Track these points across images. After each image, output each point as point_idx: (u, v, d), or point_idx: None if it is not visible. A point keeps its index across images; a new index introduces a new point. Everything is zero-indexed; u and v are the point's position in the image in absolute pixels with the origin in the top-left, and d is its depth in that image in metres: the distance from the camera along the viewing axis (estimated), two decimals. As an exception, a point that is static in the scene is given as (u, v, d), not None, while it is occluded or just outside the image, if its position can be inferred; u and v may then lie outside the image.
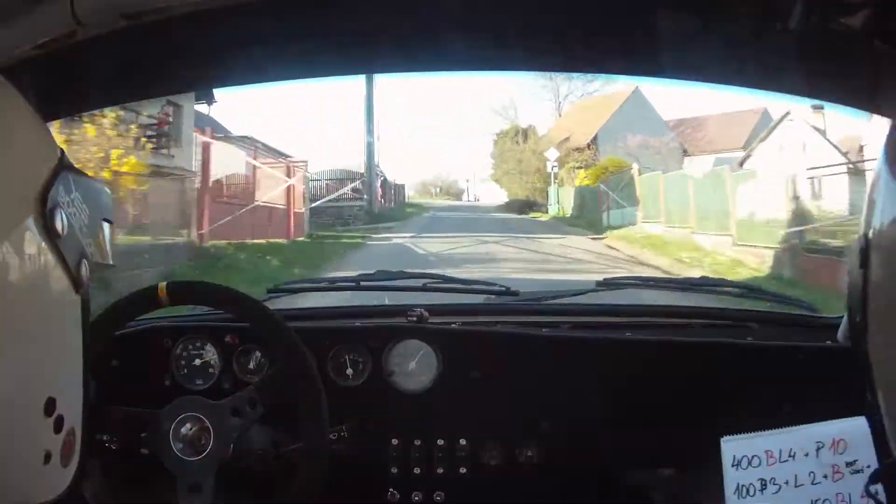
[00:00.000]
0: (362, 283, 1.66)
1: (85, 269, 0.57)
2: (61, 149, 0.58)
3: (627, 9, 0.83)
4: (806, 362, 1.33)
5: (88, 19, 0.71)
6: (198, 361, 1.39)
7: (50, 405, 0.50)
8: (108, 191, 0.68)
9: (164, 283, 1.16)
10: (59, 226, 0.52)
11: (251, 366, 1.39)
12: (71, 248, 0.54)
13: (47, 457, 0.50)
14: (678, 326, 1.52)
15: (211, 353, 1.39)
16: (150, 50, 0.86)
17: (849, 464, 0.97)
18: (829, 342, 1.35)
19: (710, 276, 6.88)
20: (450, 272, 2.63)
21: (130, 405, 1.18)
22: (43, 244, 0.51)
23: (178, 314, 1.51)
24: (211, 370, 1.39)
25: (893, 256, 0.54)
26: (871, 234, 0.57)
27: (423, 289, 1.60)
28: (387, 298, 1.80)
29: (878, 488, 0.63)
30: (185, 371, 1.39)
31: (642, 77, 1.04)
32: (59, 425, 0.51)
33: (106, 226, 0.63)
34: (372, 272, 1.67)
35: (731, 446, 1.02)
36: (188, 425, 1.12)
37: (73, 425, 0.53)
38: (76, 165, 0.62)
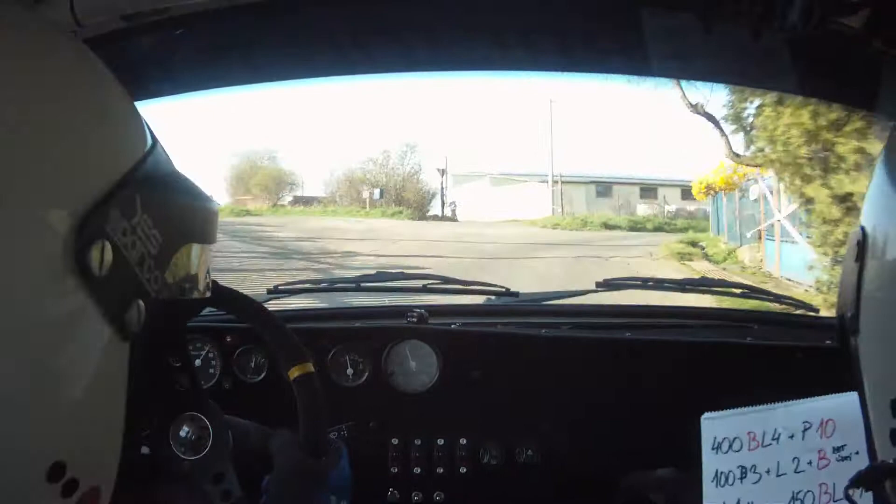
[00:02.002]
0: (362, 284, 1.66)
1: (139, 312, 0.46)
2: (146, 154, 0.47)
3: (627, 9, 0.83)
4: (806, 362, 1.33)
5: (88, 19, 0.71)
6: (198, 362, 1.39)
7: (58, 469, 0.42)
8: (212, 205, 0.55)
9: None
10: (94, 262, 0.42)
11: (251, 366, 1.39)
12: (113, 290, 0.44)
13: None
14: (678, 326, 1.52)
15: (211, 354, 1.39)
16: (150, 50, 0.86)
17: (836, 449, 0.93)
18: (829, 342, 1.35)
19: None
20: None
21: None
22: (72, 284, 0.41)
23: None
24: (211, 370, 1.39)
25: (889, 252, 0.54)
26: (868, 228, 0.57)
27: (423, 290, 1.60)
28: (387, 299, 1.80)
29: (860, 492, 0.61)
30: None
31: (642, 77, 1.04)
32: (70, 489, 0.43)
33: (192, 250, 0.52)
34: (372, 273, 1.67)
35: (712, 426, 0.96)
36: (188, 425, 1.12)
37: (96, 485, 0.45)
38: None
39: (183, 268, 0.51)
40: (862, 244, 0.57)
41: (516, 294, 1.59)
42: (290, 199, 27.89)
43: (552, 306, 1.62)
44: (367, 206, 25.28)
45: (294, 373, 1.08)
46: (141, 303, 0.47)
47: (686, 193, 19.07)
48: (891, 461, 0.53)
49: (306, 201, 27.24)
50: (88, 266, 0.41)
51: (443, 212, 25.45)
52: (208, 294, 0.54)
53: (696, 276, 5.41)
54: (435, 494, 1.35)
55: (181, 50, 0.89)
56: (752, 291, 1.71)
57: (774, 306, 1.64)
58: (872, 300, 0.56)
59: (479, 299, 1.63)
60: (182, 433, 1.12)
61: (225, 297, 1.17)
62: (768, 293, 1.69)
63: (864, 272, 0.56)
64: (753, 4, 0.74)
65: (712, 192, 12.83)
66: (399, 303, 1.60)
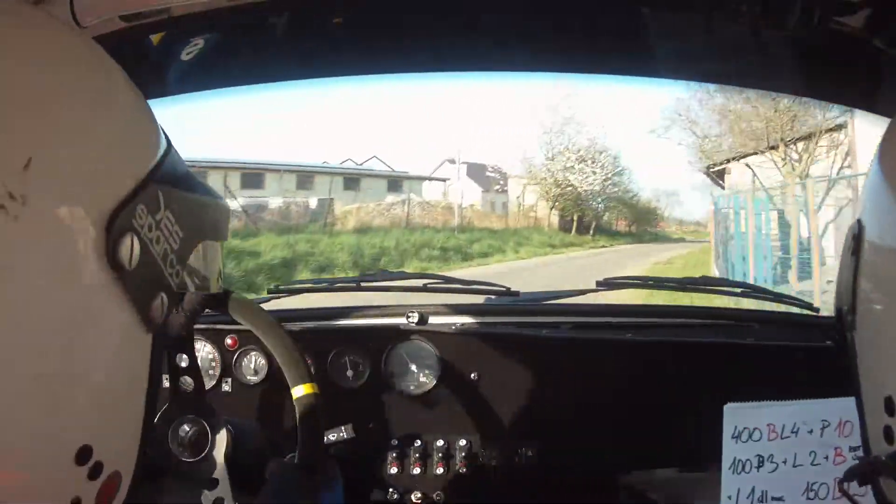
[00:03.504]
0: (362, 284, 1.66)
1: (162, 305, 0.48)
2: (164, 154, 0.49)
3: (627, 9, 0.83)
4: (806, 362, 1.33)
5: (88, 21, 0.71)
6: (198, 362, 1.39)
7: (85, 453, 0.44)
8: (224, 203, 0.57)
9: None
10: (125, 257, 0.44)
11: (251, 367, 1.39)
12: (141, 282, 0.46)
13: (76, 502, 0.44)
14: (678, 326, 1.52)
15: (211, 355, 1.39)
16: (150, 50, 0.86)
17: (852, 448, 0.94)
18: (829, 342, 1.35)
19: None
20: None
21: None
22: (103, 276, 0.43)
23: None
24: (211, 372, 1.39)
25: (885, 247, 0.54)
26: (864, 222, 0.57)
27: (424, 289, 1.60)
28: (387, 299, 1.79)
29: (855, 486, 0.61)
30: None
31: (642, 77, 1.05)
32: (96, 472, 0.45)
33: (212, 247, 0.54)
34: (373, 273, 1.67)
35: (734, 415, 0.97)
36: (188, 426, 1.12)
37: (117, 469, 0.47)
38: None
39: (199, 264, 0.53)
40: (858, 238, 0.56)
41: (516, 294, 1.59)
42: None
43: (552, 306, 1.62)
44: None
45: (298, 392, 1.09)
46: (164, 296, 0.48)
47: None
48: (883, 457, 0.53)
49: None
50: (119, 259, 0.43)
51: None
52: (220, 290, 0.55)
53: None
54: (434, 494, 1.35)
55: (181, 50, 0.90)
56: (752, 291, 1.71)
57: (774, 306, 1.64)
58: (868, 296, 0.55)
59: (479, 299, 1.63)
60: (182, 434, 1.12)
61: (240, 306, 1.16)
62: (768, 293, 1.69)
63: (860, 267, 0.56)
64: (753, 4, 0.74)
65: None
66: (399, 303, 1.60)
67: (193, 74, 1.01)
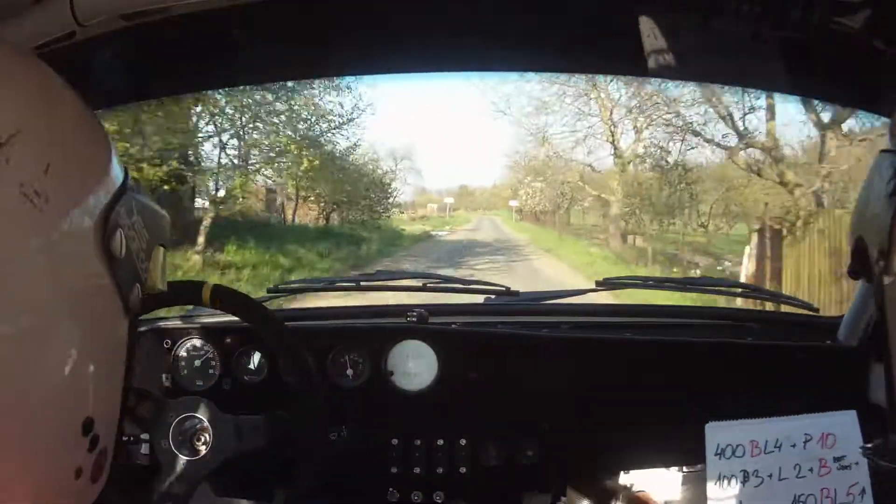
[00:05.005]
0: (362, 284, 1.66)
1: (137, 295, 0.55)
2: (126, 169, 0.57)
3: (627, 9, 0.83)
4: (806, 362, 1.33)
5: (88, 20, 0.71)
6: (198, 362, 1.39)
7: (88, 424, 0.50)
8: (167, 215, 0.66)
9: (212, 285, 1.11)
10: (117, 248, 0.51)
11: (251, 367, 1.39)
12: (126, 272, 0.53)
13: (78, 472, 0.50)
14: (678, 326, 1.52)
15: (211, 354, 1.39)
16: (150, 50, 0.86)
17: (837, 458, 0.95)
18: (829, 342, 1.35)
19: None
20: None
21: (129, 406, 1.18)
22: (100, 266, 0.50)
23: (177, 315, 1.51)
24: (211, 371, 1.39)
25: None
26: (863, 234, 0.57)
27: (423, 289, 1.60)
28: (387, 299, 1.79)
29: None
30: (186, 372, 1.39)
31: (642, 77, 1.04)
32: (94, 443, 0.51)
33: (162, 251, 0.61)
34: (372, 272, 1.67)
35: (716, 432, 0.98)
36: (188, 425, 1.12)
37: (106, 445, 0.53)
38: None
39: (155, 264, 0.62)
40: (859, 251, 0.55)
41: (516, 293, 1.59)
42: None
43: (552, 306, 1.62)
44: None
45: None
46: (139, 287, 0.56)
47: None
48: None
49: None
50: (112, 249, 0.51)
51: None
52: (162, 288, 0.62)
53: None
54: (435, 494, 1.35)
55: (183, 49, 0.90)
56: (752, 291, 1.71)
57: (774, 306, 1.64)
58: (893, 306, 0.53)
59: (479, 299, 1.63)
60: (182, 433, 1.12)
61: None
62: (768, 293, 1.69)
63: (875, 279, 0.54)
64: (753, 4, 0.74)
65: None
66: (399, 302, 1.60)
67: (193, 73, 1.01)
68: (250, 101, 10.54)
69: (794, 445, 0.96)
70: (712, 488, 0.96)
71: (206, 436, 1.12)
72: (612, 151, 13.53)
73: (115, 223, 0.51)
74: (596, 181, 15.13)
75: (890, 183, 0.54)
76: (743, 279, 7.98)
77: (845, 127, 8.28)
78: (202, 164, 10.81)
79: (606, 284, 1.60)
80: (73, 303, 0.48)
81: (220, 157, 10.84)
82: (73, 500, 0.51)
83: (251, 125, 11.04)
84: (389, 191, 18.76)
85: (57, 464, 0.48)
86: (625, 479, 1.36)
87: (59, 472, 0.49)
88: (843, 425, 0.94)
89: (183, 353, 1.39)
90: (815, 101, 7.04)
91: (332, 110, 12.17)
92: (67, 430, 0.48)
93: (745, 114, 9.49)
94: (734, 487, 0.95)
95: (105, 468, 0.54)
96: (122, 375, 0.56)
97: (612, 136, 13.24)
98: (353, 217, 16.91)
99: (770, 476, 0.95)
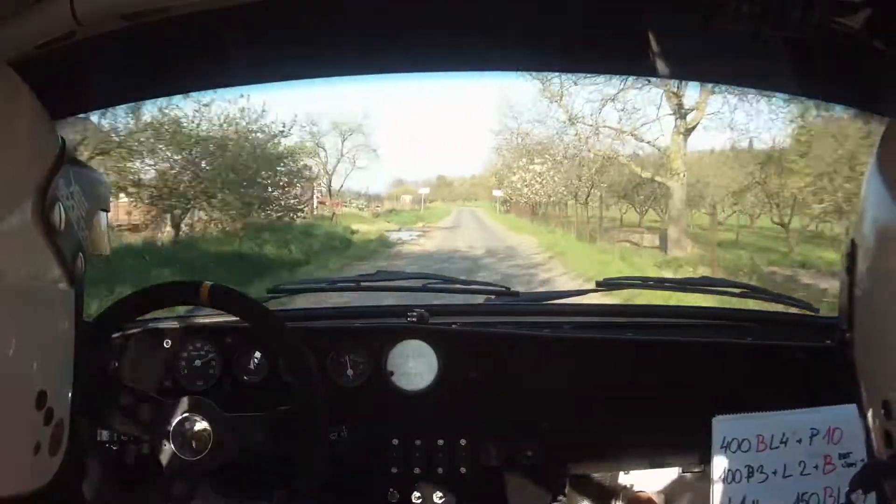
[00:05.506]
0: (362, 284, 1.66)
1: (81, 263, 0.56)
2: (63, 140, 0.57)
3: (627, 9, 0.83)
4: (806, 362, 1.33)
5: (88, 19, 0.71)
6: (198, 362, 1.39)
7: (41, 398, 0.50)
8: (107, 180, 0.67)
9: (209, 284, 1.12)
10: (56, 220, 0.52)
11: (251, 367, 1.39)
12: (68, 243, 0.54)
13: (37, 447, 0.51)
14: (678, 326, 1.52)
15: (211, 354, 1.39)
16: (150, 50, 0.86)
17: (842, 455, 0.95)
18: (829, 342, 1.35)
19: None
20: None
21: (130, 406, 1.18)
22: (40, 238, 0.51)
23: (177, 315, 1.51)
24: (211, 371, 1.39)
25: (876, 260, 0.55)
26: (857, 237, 0.58)
27: (424, 289, 1.60)
28: (387, 299, 1.79)
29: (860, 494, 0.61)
30: (186, 372, 1.39)
31: (642, 77, 1.05)
32: (49, 417, 0.51)
33: (104, 216, 0.62)
34: (372, 272, 1.68)
35: (723, 426, 0.98)
36: (188, 426, 1.12)
37: (62, 417, 0.54)
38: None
39: (98, 230, 0.63)
40: (852, 256, 0.59)
41: (516, 294, 1.59)
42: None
43: (552, 306, 1.62)
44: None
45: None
46: (82, 255, 0.57)
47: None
48: (885, 457, 0.53)
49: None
50: (52, 221, 0.52)
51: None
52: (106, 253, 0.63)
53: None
54: (435, 495, 1.35)
55: (183, 49, 0.89)
56: (752, 291, 1.71)
57: (774, 306, 1.64)
58: (863, 307, 0.57)
59: (479, 299, 1.63)
60: (182, 434, 1.12)
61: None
62: (768, 293, 1.69)
63: (854, 281, 0.58)
64: (753, 4, 0.74)
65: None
66: (399, 302, 1.60)
67: (193, 73, 1.01)
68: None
69: (800, 441, 0.96)
70: (717, 483, 0.97)
71: (207, 436, 1.12)
72: (670, 112, 8.02)
73: (54, 196, 0.52)
74: (644, 160, 10.20)
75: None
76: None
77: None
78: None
79: (607, 285, 1.60)
80: (14, 276, 0.48)
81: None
82: (33, 474, 0.52)
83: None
84: (321, 179, 14.04)
85: (15, 439, 0.49)
86: (625, 478, 1.36)
87: (17, 448, 0.49)
88: (851, 419, 0.93)
89: (183, 353, 1.39)
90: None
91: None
92: (20, 404, 0.49)
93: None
94: (739, 482, 0.96)
95: (63, 440, 0.54)
96: (72, 347, 0.56)
97: (674, 91, 7.81)
98: (268, 222, 12.06)
99: (774, 473, 0.96)
